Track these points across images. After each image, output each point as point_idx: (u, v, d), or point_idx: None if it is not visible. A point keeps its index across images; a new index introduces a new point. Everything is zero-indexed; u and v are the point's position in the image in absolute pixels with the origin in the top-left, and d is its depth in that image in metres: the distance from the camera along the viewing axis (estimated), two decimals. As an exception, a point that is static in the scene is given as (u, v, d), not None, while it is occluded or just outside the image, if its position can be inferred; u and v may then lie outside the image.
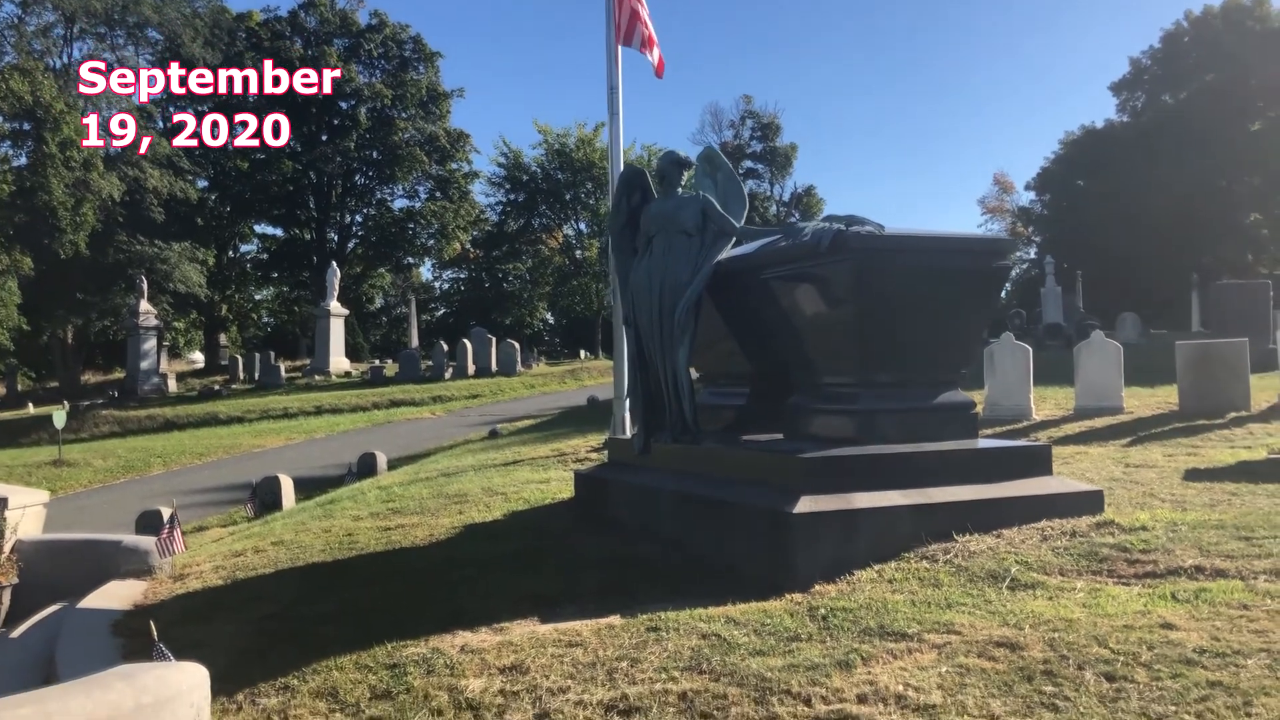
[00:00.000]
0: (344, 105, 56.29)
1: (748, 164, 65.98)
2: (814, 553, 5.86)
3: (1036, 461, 6.83)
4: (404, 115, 56.58)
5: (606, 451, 11.40)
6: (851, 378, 6.85)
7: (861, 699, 4.00)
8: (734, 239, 7.78)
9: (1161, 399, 13.07)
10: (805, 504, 5.96)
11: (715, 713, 4.01)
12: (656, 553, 6.75)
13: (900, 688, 4.05)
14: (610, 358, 43.37)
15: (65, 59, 47.56)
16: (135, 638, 5.94)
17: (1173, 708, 3.69)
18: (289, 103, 53.38)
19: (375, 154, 56.90)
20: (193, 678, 4.33)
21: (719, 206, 7.73)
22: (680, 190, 7.92)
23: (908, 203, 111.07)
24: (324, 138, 55.88)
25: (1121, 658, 4.14)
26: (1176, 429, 10.76)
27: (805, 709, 3.97)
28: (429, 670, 4.70)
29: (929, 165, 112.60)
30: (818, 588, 5.63)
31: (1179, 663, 4.06)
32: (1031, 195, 70.29)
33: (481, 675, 4.60)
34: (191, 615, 6.25)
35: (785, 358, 7.46)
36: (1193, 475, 8.16)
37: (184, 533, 8.31)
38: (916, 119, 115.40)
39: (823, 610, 5.11)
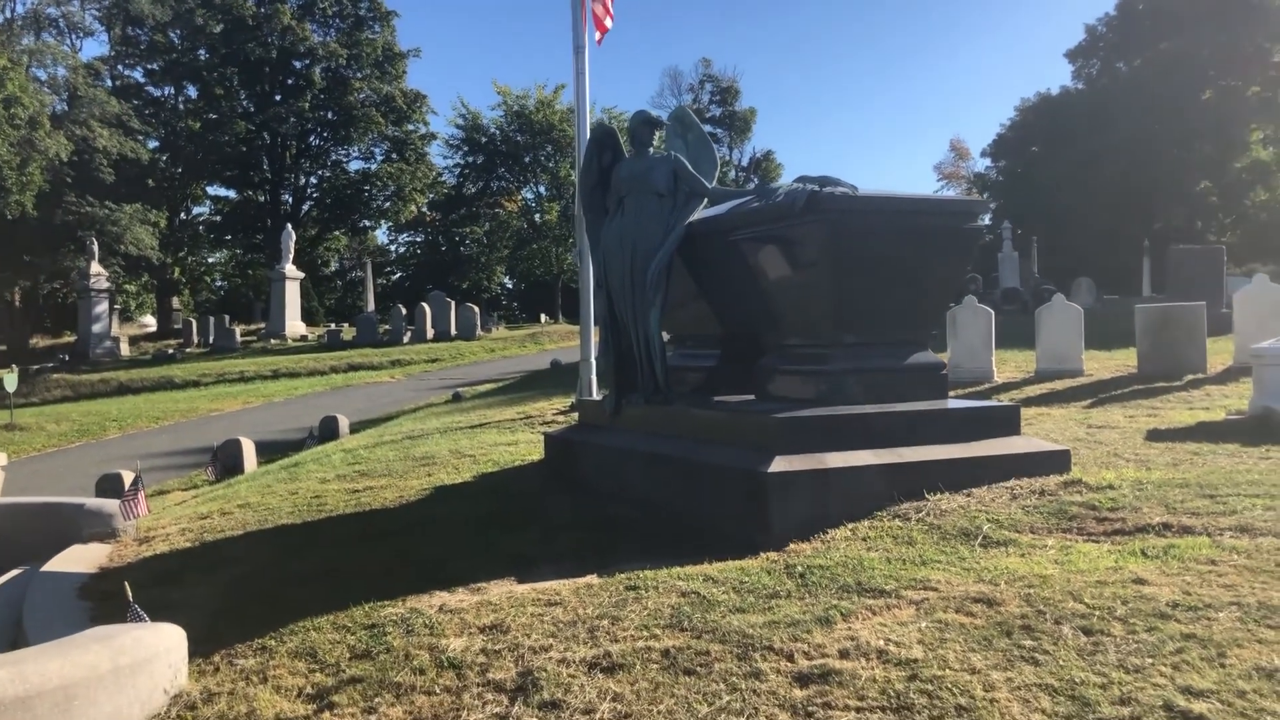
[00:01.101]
0: (298, 65, 55.33)
1: (707, 128, 65.70)
2: (788, 512, 5.89)
3: (1005, 422, 6.90)
4: (359, 75, 55.77)
5: (576, 414, 11.41)
6: (823, 339, 6.87)
7: (843, 654, 4.04)
8: (705, 200, 7.75)
9: (1120, 362, 13.25)
10: (779, 464, 5.99)
11: (699, 669, 4.03)
12: (630, 513, 6.76)
13: (881, 643, 4.09)
14: (571, 322, 43.47)
15: (8, 13, 46.29)
16: (103, 601, 5.86)
17: (1149, 660, 3.76)
18: (241, 61, 52.47)
19: (330, 115, 56.03)
20: (169, 639, 4.30)
21: (690, 167, 7.69)
22: (651, 150, 7.86)
23: (865, 168, 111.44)
24: (277, 98, 54.95)
25: (1097, 612, 4.21)
26: (1136, 391, 10.92)
27: (788, 664, 4.00)
28: (408, 630, 4.68)
29: (886, 131, 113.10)
30: (793, 546, 5.67)
31: (1153, 616, 4.13)
32: (987, 162, 70.82)
33: (462, 635, 4.58)
34: (161, 578, 6.17)
35: (756, 319, 7.46)
36: (1154, 436, 8.28)
37: (147, 496, 8.19)
38: (874, 85, 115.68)
39: (800, 568, 5.14)
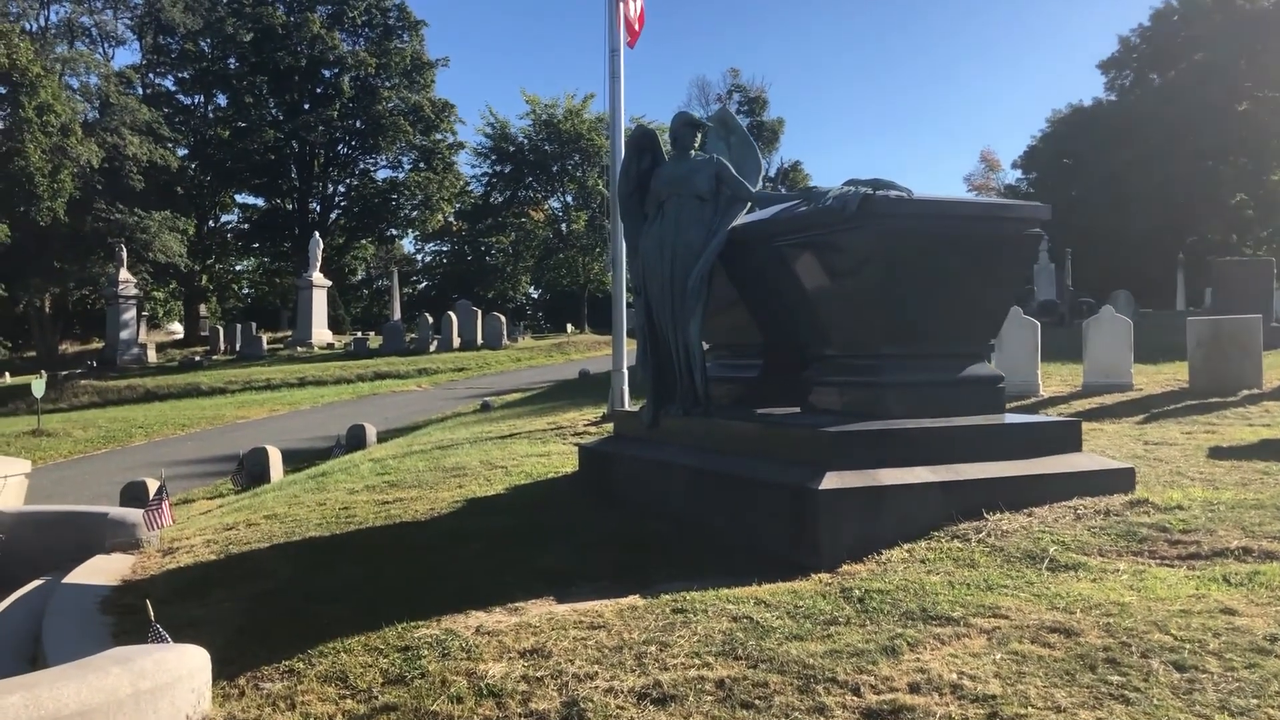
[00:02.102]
0: (327, 74, 55.52)
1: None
2: (840, 531, 5.59)
3: (1066, 437, 6.57)
4: (388, 84, 55.86)
5: (609, 425, 11.14)
6: (874, 350, 6.56)
7: (914, 688, 3.74)
8: (749, 204, 7.46)
9: (1169, 376, 12.86)
10: (831, 480, 5.69)
11: (757, 702, 3.74)
12: (670, 529, 6.48)
13: (954, 676, 3.79)
14: (598, 332, 43.23)
15: (42, 22, 46.66)
16: (126, 615, 5.64)
17: (1254, 700, 3.44)
18: (271, 69, 52.68)
19: (358, 123, 56.16)
20: (193, 661, 4.06)
21: (734, 171, 7.41)
22: (693, 153, 7.59)
23: (894, 179, 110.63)
24: (306, 106, 55.12)
25: (1187, 645, 3.89)
26: (1190, 406, 10.54)
27: (855, 699, 3.71)
28: (444, 653, 4.41)
29: (916, 142, 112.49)
30: (846, 568, 5.38)
31: (1250, 651, 3.81)
32: (1018, 174, 70.07)
33: (501, 659, 4.31)
34: (184, 592, 5.93)
35: (802, 328, 7.16)
36: (1217, 453, 7.92)
37: (171, 505, 7.97)
38: (904, 95, 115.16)
39: (857, 592, 4.84)
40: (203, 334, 48.46)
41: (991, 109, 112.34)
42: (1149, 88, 62.02)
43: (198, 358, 38.41)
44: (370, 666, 4.35)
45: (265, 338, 40.42)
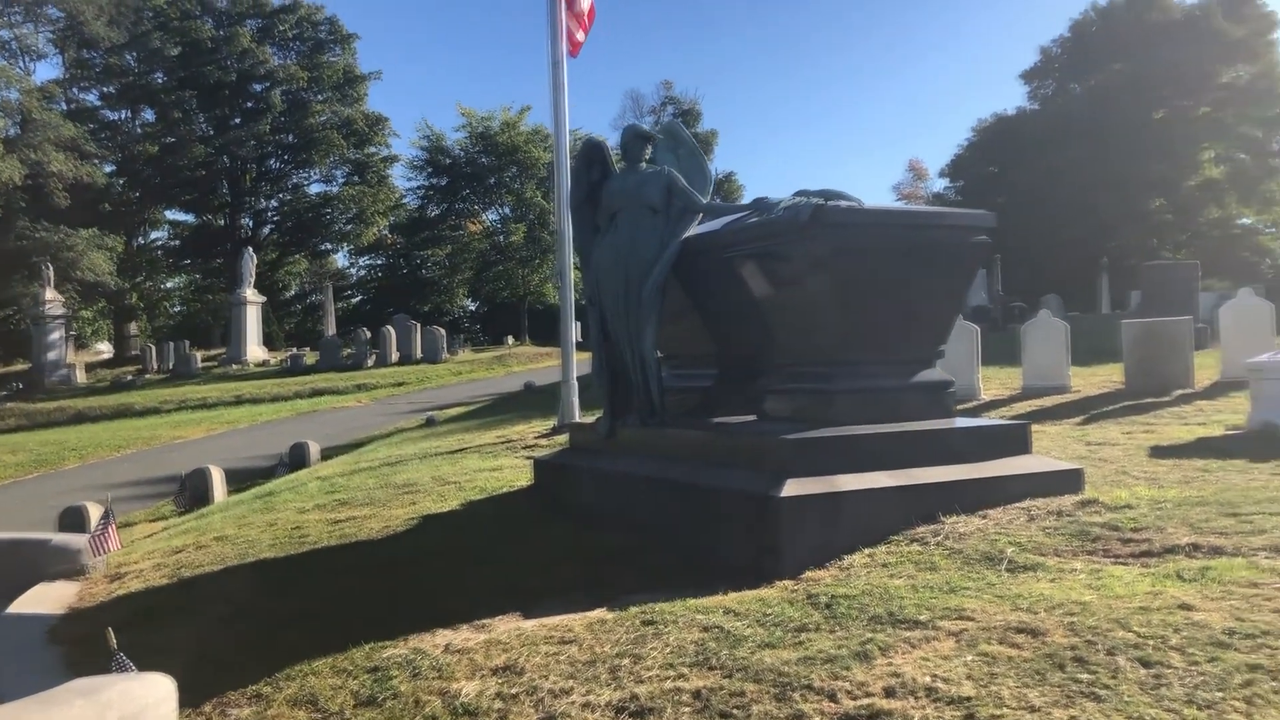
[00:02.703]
0: (257, 88, 54.76)
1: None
2: (802, 537, 5.64)
3: (1016, 440, 6.71)
4: (319, 98, 55.29)
5: (559, 437, 11.13)
6: (828, 357, 6.63)
7: (889, 692, 3.78)
8: (700, 215, 7.52)
9: (1104, 377, 13.16)
10: (791, 487, 5.74)
11: (735, 712, 3.76)
12: (631, 540, 6.48)
13: (928, 679, 3.84)
14: (538, 344, 43.06)
15: (-41, 36, 45.43)
16: (76, 645, 5.51)
17: (1219, 693, 3.53)
18: (199, 84, 51.85)
19: (290, 138, 55.48)
20: (159, 690, 3.96)
21: (684, 182, 7.45)
22: (643, 165, 7.63)
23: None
24: (236, 121, 54.31)
25: (1150, 641, 3.98)
26: (1126, 407, 10.80)
27: (832, 705, 3.74)
28: (415, 673, 4.37)
29: (845, 152, 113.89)
30: (809, 574, 5.43)
31: (1211, 645, 3.91)
32: (945, 182, 71.23)
33: (473, 677, 4.28)
34: (138, 618, 5.81)
35: (756, 337, 7.22)
36: (1157, 452, 8.13)
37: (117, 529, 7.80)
38: (833, 107, 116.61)
39: (824, 598, 4.88)
40: (133, 353, 47.38)
41: (918, 119, 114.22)
42: (1070, 97, 63.49)
43: (129, 377, 37.55)
44: (340, 689, 4.30)
45: (198, 356, 39.66)
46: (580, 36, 12.52)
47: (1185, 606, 4.35)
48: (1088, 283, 49.02)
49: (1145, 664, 3.81)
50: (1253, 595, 4.44)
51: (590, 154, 7.96)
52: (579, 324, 15.90)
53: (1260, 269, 55.55)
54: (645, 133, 7.75)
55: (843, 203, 6.33)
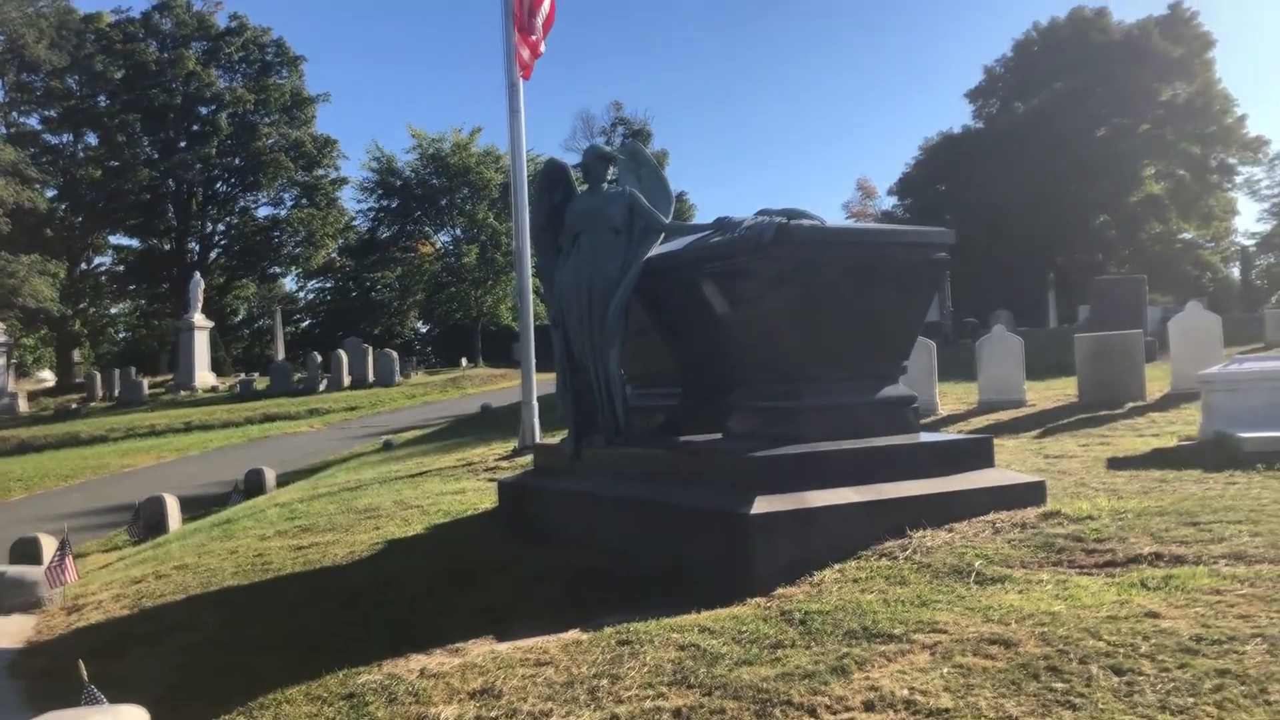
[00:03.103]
0: (203, 110, 54.24)
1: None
2: (773, 554, 5.67)
3: (979, 453, 6.79)
4: (267, 120, 54.93)
5: (521, 459, 11.09)
6: (792, 374, 6.69)
7: (869, 706, 3.81)
8: (662, 235, 7.56)
9: (1058, 391, 13.37)
10: (762, 504, 5.77)
11: (717, 729, 3.77)
12: (600, 561, 6.47)
13: (906, 692, 3.88)
14: (493, 366, 42.86)
15: (-106, 60, 44.55)
16: (38, 679, 5.40)
17: (1191, 699, 3.60)
18: (144, 107, 51.22)
19: (237, 161, 55.03)
20: (132, 722, 3.90)
21: (646, 202, 7.50)
22: (605, 186, 7.67)
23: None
24: (182, 144, 53.74)
25: (1121, 650, 4.05)
26: (1081, 419, 10.98)
27: (812, 720, 3.76)
28: (391, 698, 4.33)
29: (794, 171, 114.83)
30: (781, 590, 5.45)
31: (1180, 652, 3.98)
32: (894, 200, 72.10)
33: (451, 701, 4.25)
34: (101, 650, 5.69)
35: (720, 356, 7.26)
36: (1115, 464, 8.27)
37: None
38: (782, 126, 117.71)
39: (797, 614, 4.91)
40: (77, 380, 46.51)
41: (867, 138, 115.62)
42: (1014, 115, 64.62)
43: (74, 405, 36.84)
44: (316, 716, 4.25)
45: (146, 382, 39.03)
46: (526, 54, 12.49)
47: (1152, 614, 4.42)
48: (1036, 298, 49.81)
49: (1118, 671, 3.87)
50: (1217, 602, 4.53)
51: (553, 175, 7.98)
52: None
53: (1201, 282, 56.77)
54: (607, 153, 7.79)
55: (805, 221, 6.40)
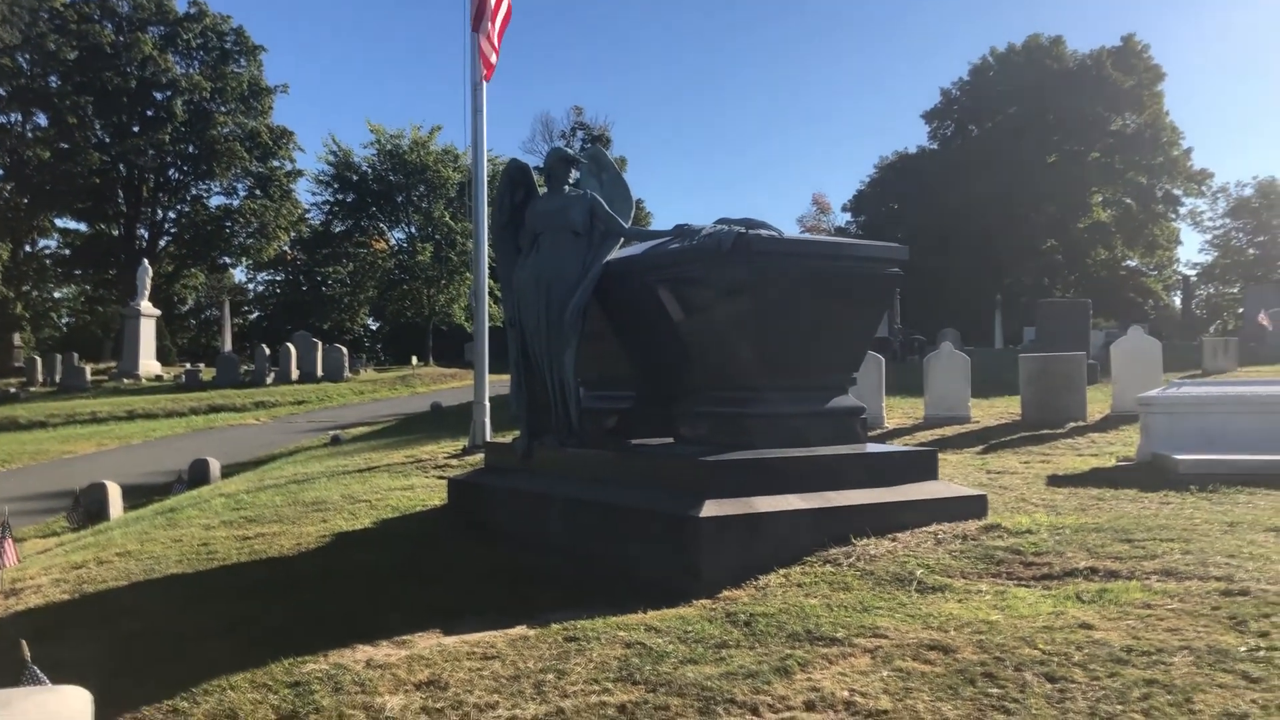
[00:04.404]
0: (158, 96, 53.46)
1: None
2: (719, 558, 5.76)
3: (924, 466, 6.94)
4: (223, 109, 54.26)
5: (470, 457, 11.10)
6: (746, 382, 6.79)
7: (810, 706, 3.90)
8: (622, 239, 7.63)
9: (1001, 409, 13.62)
10: (710, 508, 5.85)
11: (661, 725, 3.83)
12: (548, 560, 6.52)
13: (846, 694, 3.97)
14: (443, 365, 42.63)
15: None
16: (-25, 662, 5.31)
17: (1119, 707, 3.72)
18: (97, 90, 50.38)
19: (191, 148, 54.25)
20: (75, 704, 3.87)
21: (607, 207, 7.56)
22: (567, 188, 7.73)
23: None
24: (136, 129, 52.92)
25: (1055, 658, 4.18)
26: (1024, 437, 11.21)
27: (754, 718, 3.84)
28: (337, 688, 4.35)
29: (752, 184, 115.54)
30: (726, 593, 5.53)
31: (1111, 662, 4.12)
32: (848, 216, 72.82)
33: (397, 692, 4.28)
34: (42, 634, 5.60)
35: (674, 361, 7.34)
36: (1055, 481, 8.47)
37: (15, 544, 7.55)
38: (740, 138, 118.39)
39: (742, 616, 4.99)
40: (16, 365, 45.54)
41: (825, 154, 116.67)
42: (968, 138, 65.60)
43: (13, 389, 36.10)
44: (260, 704, 4.25)
45: (88, 369, 38.33)
46: (493, 59, 12.51)
47: (1086, 626, 4.56)
48: (982, 318, 50.57)
49: (1051, 679, 3.99)
50: (1147, 616, 4.68)
51: (515, 176, 8.03)
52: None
53: (1144, 309, 57.92)
54: (570, 156, 7.86)
55: (764, 232, 6.50)
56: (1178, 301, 60.88)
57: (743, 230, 6.45)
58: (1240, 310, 39.12)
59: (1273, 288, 35.34)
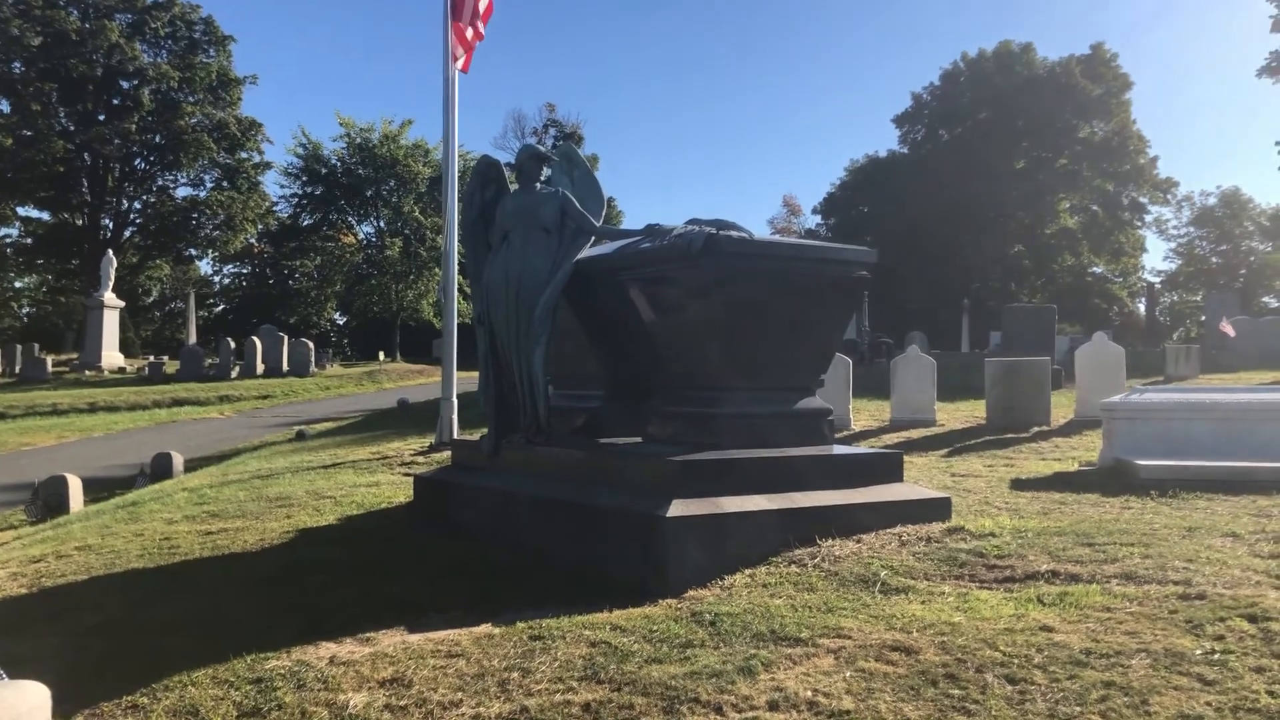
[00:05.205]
0: (125, 84, 52.78)
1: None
2: (686, 557, 5.77)
3: (889, 468, 6.98)
4: (191, 99, 53.65)
5: (436, 455, 11.05)
6: (714, 382, 6.80)
7: (773, 706, 3.91)
8: (592, 238, 7.62)
9: (967, 413, 13.73)
10: (677, 508, 5.86)
11: (625, 724, 3.84)
12: (515, 558, 6.51)
13: (809, 694, 3.99)
14: (411, 361, 42.44)
15: None
16: (-71, 656, 5.23)
17: (1078, 708, 3.77)
18: (62, 77, 49.68)
19: (158, 138, 53.62)
20: (32, 698, 3.84)
21: (578, 204, 7.55)
22: (538, 186, 7.71)
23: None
24: (101, 117, 52.23)
25: (1015, 660, 4.22)
26: (988, 441, 11.30)
27: (717, 717, 3.86)
28: (299, 684, 4.32)
29: (722, 185, 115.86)
30: (692, 593, 5.55)
31: (1070, 664, 4.16)
32: (818, 219, 73.13)
33: (361, 689, 4.26)
34: (0, 628, 5.56)
35: (643, 361, 7.35)
36: (1018, 485, 8.55)
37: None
38: (711, 138, 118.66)
39: (708, 615, 5.01)
40: (-26, 355, 44.88)
41: (796, 156, 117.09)
42: (939, 143, 66.05)
43: (-29, 380, 35.63)
44: (222, 700, 4.21)
45: (49, 360, 37.84)
46: (462, 48, 12.43)
47: (1046, 628, 4.61)
48: (949, 322, 50.90)
49: (1011, 681, 4.03)
50: (1107, 619, 4.74)
51: (486, 172, 7.99)
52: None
53: (1109, 315, 58.55)
54: (541, 153, 7.84)
55: (734, 233, 6.52)
56: (1142, 308, 61.59)
57: (713, 231, 6.46)
58: (1203, 318, 39.66)
59: (1234, 295, 35.85)
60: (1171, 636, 4.43)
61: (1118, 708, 3.75)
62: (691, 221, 6.82)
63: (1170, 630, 4.52)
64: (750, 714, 3.86)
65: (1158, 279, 67.61)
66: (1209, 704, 3.74)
